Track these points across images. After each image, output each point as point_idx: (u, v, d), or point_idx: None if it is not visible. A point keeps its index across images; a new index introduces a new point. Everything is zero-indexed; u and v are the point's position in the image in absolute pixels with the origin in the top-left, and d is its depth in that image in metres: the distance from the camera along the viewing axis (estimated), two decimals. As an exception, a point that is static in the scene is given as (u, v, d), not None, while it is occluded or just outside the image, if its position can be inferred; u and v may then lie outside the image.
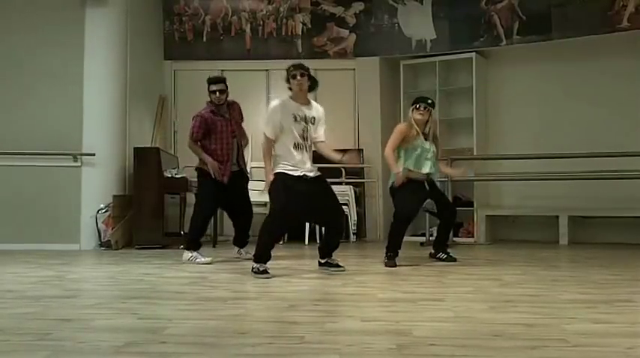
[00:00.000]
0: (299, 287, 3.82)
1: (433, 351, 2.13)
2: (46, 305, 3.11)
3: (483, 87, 8.38)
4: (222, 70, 8.85)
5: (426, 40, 8.39)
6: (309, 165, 4.55)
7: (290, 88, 4.56)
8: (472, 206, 7.97)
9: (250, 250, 5.43)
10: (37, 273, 4.52)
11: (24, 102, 7.07)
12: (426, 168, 5.25)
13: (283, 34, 8.77)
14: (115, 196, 6.93)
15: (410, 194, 5.17)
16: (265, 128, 4.52)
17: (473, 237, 7.84)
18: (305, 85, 4.52)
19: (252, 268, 4.35)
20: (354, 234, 7.92)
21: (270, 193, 4.46)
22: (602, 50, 7.70)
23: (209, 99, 5.47)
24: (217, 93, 5.40)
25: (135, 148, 7.05)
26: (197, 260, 5.24)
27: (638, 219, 7.23)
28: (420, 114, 5.26)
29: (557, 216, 7.54)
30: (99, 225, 6.81)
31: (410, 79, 8.68)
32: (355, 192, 8.00)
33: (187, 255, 5.30)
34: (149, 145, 7.76)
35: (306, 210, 4.57)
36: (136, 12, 7.61)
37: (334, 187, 7.74)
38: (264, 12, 8.80)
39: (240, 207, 5.57)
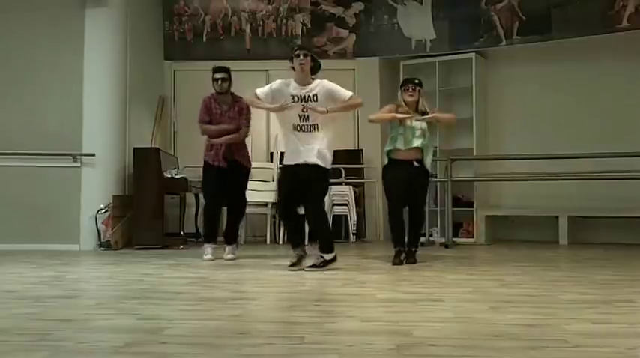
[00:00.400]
0: (299, 287, 3.82)
1: (433, 351, 2.13)
2: (46, 305, 3.11)
3: (483, 87, 8.38)
4: (222, 70, 8.89)
5: (425, 41, 8.39)
6: (305, 149, 4.59)
7: (293, 68, 4.66)
8: (472, 206, 7.97)
9: (236, 251, 5.61)
10: (37, 273, 4.52)
11: (24, 102, 7.07)
12: (415, 143, 5.21)
13: (283, 34, 8.77)
14: (114, 196, 6.93)
15: (391, 178, 5.21)
16: (259, 89, 4.74)
17: (473, 237, 7.84)
18: (307, 65, 4.61)
19: (326, 260, 4.55)
20: (353, 234, 7.92)
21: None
22: (601, 50, 7.70)
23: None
24: (220, 81, 5.68)
25: (135, 148, 7.05)
26: (203, 255, 5.46)
27: (638, 219, 7.23)
28: (410, 95, 5.26)
29: (557, 217, 7.54)
30: (99, 226, 6.81)
31: (410, 80, 8.68)
32: (355, 192, 8.00)
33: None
34: (149, 145, 7.76)
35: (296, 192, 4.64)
36: (135, 12, 7.61)
37: (334, 187, 7.83)
38: (264, 12, 8.80)
39: (232, 198, 5.66)
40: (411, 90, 5.27)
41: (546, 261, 5.50)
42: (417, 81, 5.34)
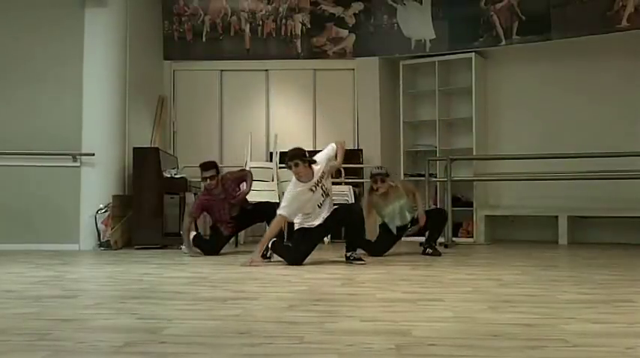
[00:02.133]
0: (299, 287, 3.82)
1: (432, 351, 2.13)
2: (46, 305, 3.11)
3: (483, 87, 8.38)
4: (222, 70, 8.90)
5: (425, 40, 8.40)
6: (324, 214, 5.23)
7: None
8: (471, 206, 7.97)
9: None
10: (36, 273, 4.52)
11: (23, 102, 7.07)
12: (397, 222, 5.93)
13: (283, 34, 8.77)
14: (114, 196, 6.94)
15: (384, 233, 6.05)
16: (281, 209, 5.18)
17: (472, 237, 7.85)
18: (302, 171, 5.09)
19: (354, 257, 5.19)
20: (353, 234, 7.91)
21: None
22: (601, 50, 7.70)
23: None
24: (208, 180, 6.03)
25: (134, 148, 7.05)
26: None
27: (638, 219, 7.23)
28: (379, 187, 5.87)
29: (557, 216, 7.55)
30: (98, 225, 6.81)
31: (409, 79, 8.69)
32: (355, 192, 7.99)
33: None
34: (148, 145, 7.77)
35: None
36: (135, 12, 7.61)
37: (334, 187, 7.82)
38: (264, 12, 8.80)
39: (256, 214, 6.29)
40: (379, 182, 5.87)
41: (546, 261, 5.50)
42: (382, 174, 5.90)
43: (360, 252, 5.42)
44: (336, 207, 5.40)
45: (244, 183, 6.26)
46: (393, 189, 5.98)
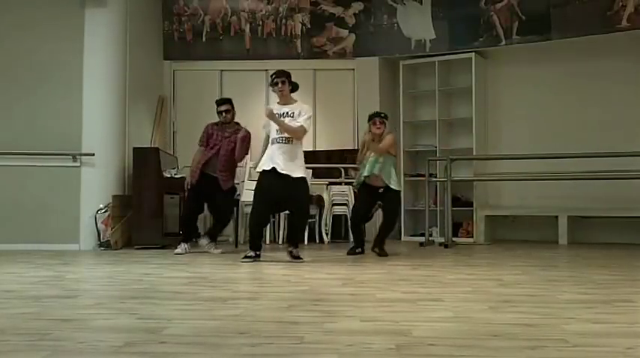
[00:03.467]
0: (299, 287, 3.82)
1: (432, 351, 2.13)
2: (46, 305, 3.11)
3: (483, 87, 8.39)
4: (222, 70, 8.90)
5: (425, 40, 8.40)
6: (281, 159, 5.23)
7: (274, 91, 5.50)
8: (471, 206, 7.98)
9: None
10: (36, 273, 4.52)
11: (23, 102, 7.07)
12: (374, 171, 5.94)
13: (283, 34, 8.77)
14: (114, 196, 6.93)
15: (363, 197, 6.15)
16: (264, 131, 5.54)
17: (472, 237, 7.85)
18: (285, 89, 5.37)
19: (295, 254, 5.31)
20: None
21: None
22: (601, 50, 7.70)
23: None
24: (224, 113, 6.27)
25: (134, 148, 7.05)
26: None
27: (638, 219, 7.23)
28: (377, 128, 5.97)
29: (557, 216, 7.55)
30: (98, 225, 6.80)
31: (409, 79, 8.69)
32: (355, 192, 7.99)
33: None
34: (148, 145, 7.76)
35: (272, 201, 5.33)
36: (135, 12, 7.61)
37: (333, 187, 7.83)
38: (264, 12, 8.80)
39: (212, 208, 6.44)
40: (378, 123, 5.98)
41: (546, 261, 5.50)
42: (382, 114, 6.10)
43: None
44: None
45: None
46: (388, 136, 6.02)
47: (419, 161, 8.51)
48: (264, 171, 5.31)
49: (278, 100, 5.49)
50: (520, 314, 2.83)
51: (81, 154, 6.95)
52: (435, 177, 7.92)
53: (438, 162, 8.01)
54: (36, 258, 5.75)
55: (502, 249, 6.81)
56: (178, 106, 8.82)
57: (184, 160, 7.95)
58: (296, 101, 5.46)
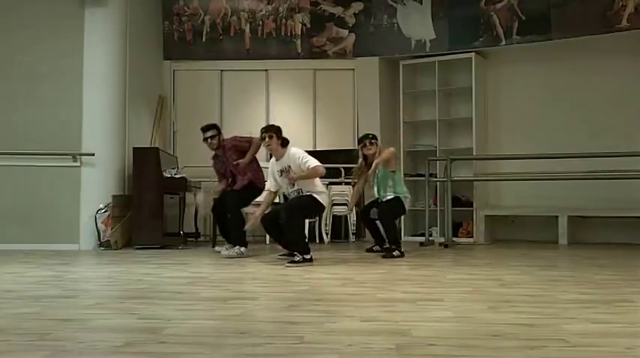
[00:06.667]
0: (299, 287, 3.82)
1: (432, 351, 2.13)
2: (46, 305, 3.11)
3: (483, 87, 8.38)
4: (222, 70, 8.90)
5: (425, 40, 8.39)
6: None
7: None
8: (471, 206, 7.97)
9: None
10: (36, 273, 4.52)
11: (23, 102, 7.07)
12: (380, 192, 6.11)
13: (283, 34, 8.77)
14: (114, 196, 6.93)
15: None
16: (267, 184, 5.74)
17: (472, 237, 7.84)
18: (274, 145, 5.41)
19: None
20: (353, 234, 7.93)
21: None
22: (601, 50, 7.70)
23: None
24: (209, 139, 6.26)
25: (134, 148, 7.04)
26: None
27: (638, 219, 7.23)
28: (368, 149, 5.99)
29: (557, 216, 7.54)
30: (98, 225, 6.80)
31: (409, 79, 8.69)
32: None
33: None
34: (148, 145, 7.76)
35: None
36: (135, 12, 7.61)
37: (333, 187, 7.83)
38: (264, 12, 8.80)
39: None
40: (368, 145, 6.00)
41: (546, 261, 5.50)
42: (370, 136, 6.11)
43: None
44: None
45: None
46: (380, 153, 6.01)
47: (419, 161, 8.51)
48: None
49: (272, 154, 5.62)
50: (520, 314, 2.83)
51: (81, 154, 6.95)
52: (435, 177, 7.92)
53: (438, 162, 8.00)
54: (36, 258, 5.76)
55: (502, 249, 6.81)
56: (178, 106, 8.82)
57: (184, 160, 7.98)
58: (284, 151, 5.45)
